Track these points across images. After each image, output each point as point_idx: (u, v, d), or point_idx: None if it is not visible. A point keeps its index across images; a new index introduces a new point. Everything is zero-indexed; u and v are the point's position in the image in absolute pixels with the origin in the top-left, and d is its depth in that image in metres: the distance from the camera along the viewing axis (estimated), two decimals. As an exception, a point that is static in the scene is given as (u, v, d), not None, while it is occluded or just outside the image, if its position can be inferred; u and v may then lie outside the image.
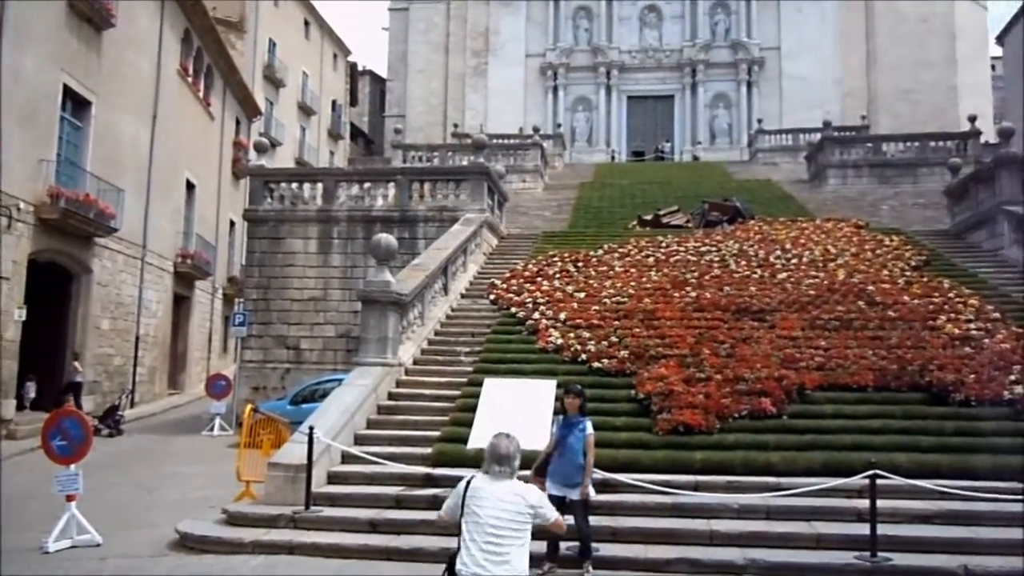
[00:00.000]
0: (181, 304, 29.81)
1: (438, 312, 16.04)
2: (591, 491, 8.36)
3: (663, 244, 20.79)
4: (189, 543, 9.32)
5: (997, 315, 14.75)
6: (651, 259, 19.47)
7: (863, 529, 8.51)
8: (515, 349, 14.58)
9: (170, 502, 11.93)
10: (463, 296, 17.77)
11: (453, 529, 4.69)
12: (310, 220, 21.67)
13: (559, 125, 53.01)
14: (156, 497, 12.51)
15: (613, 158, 52.68)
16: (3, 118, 17.59)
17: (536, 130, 42.47)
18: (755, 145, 45.65)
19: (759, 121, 49.52)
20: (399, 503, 9.94)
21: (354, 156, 57.89)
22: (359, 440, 11.38)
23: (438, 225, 20.72)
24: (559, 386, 11.06)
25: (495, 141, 37.42)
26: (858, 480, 8.97)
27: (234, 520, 9.72)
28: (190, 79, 29.53)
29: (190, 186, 30.21)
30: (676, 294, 16.48)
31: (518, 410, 11.15)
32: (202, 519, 9.98)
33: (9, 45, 17.94)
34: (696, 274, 17.88)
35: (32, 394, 20.01)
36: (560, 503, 8.18)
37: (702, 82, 56.12)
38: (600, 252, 20.30)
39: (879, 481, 8.58)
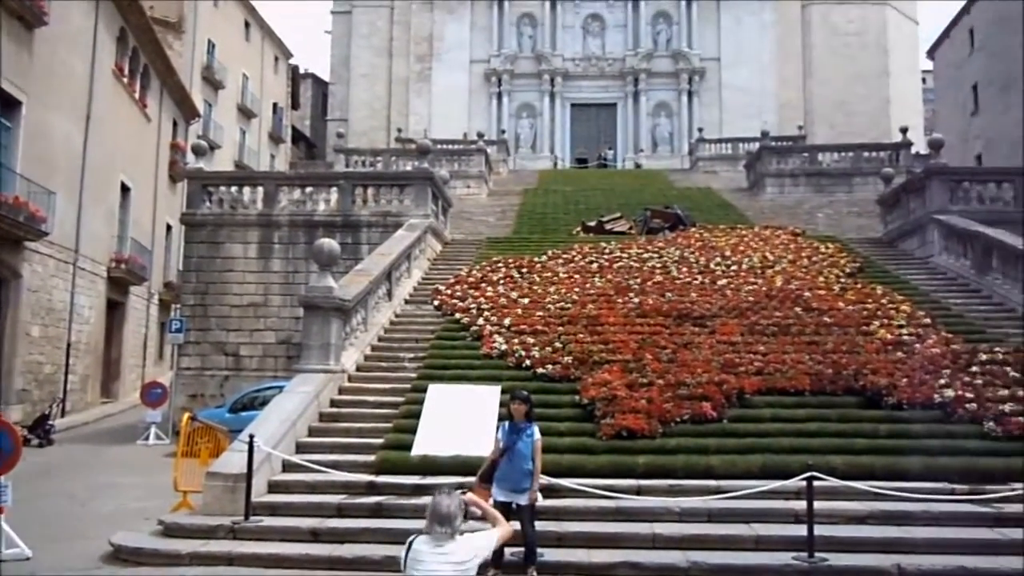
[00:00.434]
0: (115, 310, 29.00)
1: (382, 318, 15.92)
2: (538, 496, 8.39)
3: (606, 250, 20.98)
4: (124, 556, 9.06)
5: (928, 321, 15.23)
6: (595, 265, 19.63)
7: (801, 530, 8.69)
8: (459, 355, 14.55)
9: (104, 514, 11.59)
10: (407, 302, 17.67)
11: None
12: (250, 225, 21.31)
13: (503, 131, 53.15)
14: (89, 509, 12.13)
15: (556, 164, 52.98)
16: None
17: (480, 136, 42.51)
18: (696, 154, 46.40)
19: (700, 130, 50.39)
20: (342, 512, 9.82)
21: (296, 160, 57.14)
22: (301, 448, 11.23)
23: (382, 230, 20.57)
24: (504, 392, 11.05)
25: (439, 146, 37.32)
26: (795, 482, 9.16)
27: (171, 531, 9.49)
28: (126, 79, 28.80)
29: (125, 189, 29.44)
30: (619, 300, 16.64)
31: (463, 416, 11.09)
32: (137, 531, 9.72)
33: (-67, 41, 17.28)
34: (639, 280, 18.08)
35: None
36: (507, 509, 8.19)
37: (644, 91, 56.87)
38: (544, 258, 20.39)
39: (816, 483, 8.77)
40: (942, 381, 12.12)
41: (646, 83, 56.92)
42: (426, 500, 9.06)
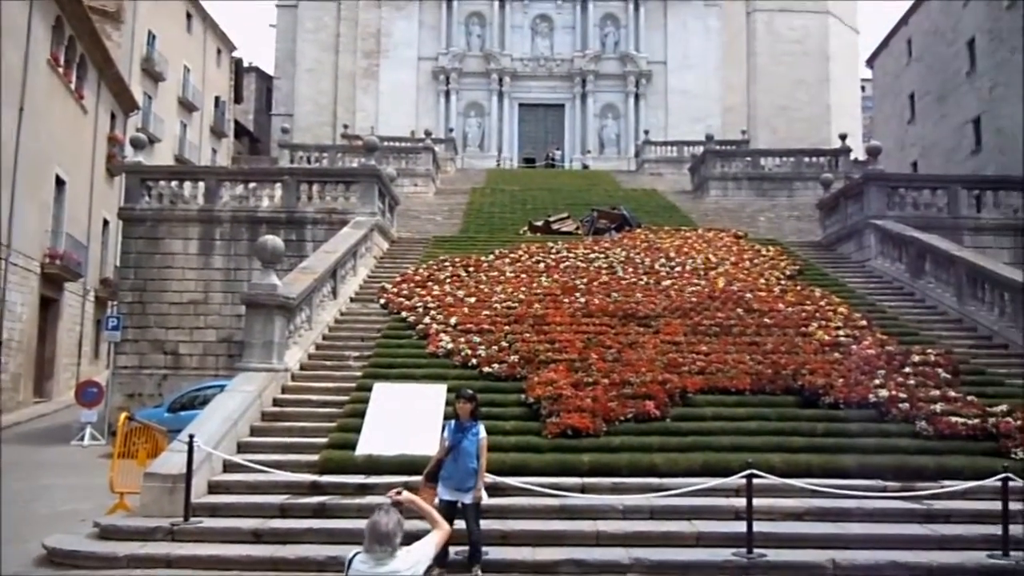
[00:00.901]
0: (49, 307, 28.13)
1: (327, 316, 15.75)
2: (484, 495, 8.40)
3: (553, 250, 21.08)
4: (58, 559, 8.82)
5: (864, 322, 15.65)
6: (541, 265, 19.72)
7: (740, 527, 8.86)
8: (405, 354, 14.48)
9: (37, 516, 11.25)
10: (353, 300, 17.51)
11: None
12: (191, 220, 20.90)
13: (451, 130, 53.02)
14: (21, 511, 11.73)
15: (498, 163, 53.01)
16: None
17: (428, 134, 42.30)
18: (642, 156, 46.92)
19: (646, 132, 50.98)
20: (284, 512, 9.70)
21: (239, 155, 56.12)
22: (243, 448, 11.06)
23: (327, 228, 20.35)
24: (450, 391, 11.05)
25: (386, 144, 37.06)
26: (736, 480, 9.35)
27: (107, 534, 9.26)
28: (61, 70, 27.96)
29: (60, 182, 28.55)
30: (566, 300, 16.75)
31: (408, 415, 11.07)
32: (72, 533, 9.46)
33: None
34: (585, 280, 18.22)
35: None
36: (452, 507, 8.19)
37: (592, 92, 57.30)
38: (491, 257, 20.41)
39: (755, 480, 8.96)
40: (877, 381, 12.47)
41: (594, 85, 57.35)
42: (371, 500, 9.11)
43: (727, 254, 20.90)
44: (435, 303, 16.55)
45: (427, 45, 57.99)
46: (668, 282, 18.14)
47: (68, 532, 9.53)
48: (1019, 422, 11.23)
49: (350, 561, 4.40)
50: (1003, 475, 9.02)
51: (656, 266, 19.53)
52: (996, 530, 8.88)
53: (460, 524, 8.25)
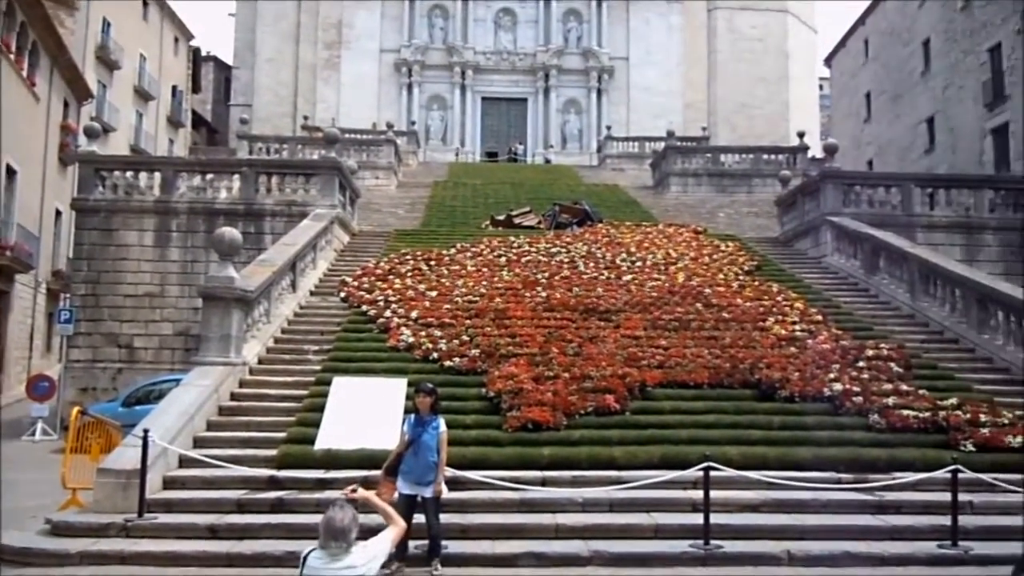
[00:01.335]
0: (-1, 299, 27.47)
1: (286, 310, 15.59)
2: (444, 488, 8.39)
3: (515, 244, 21.10)
4: (8, 556, 8.62)
5: (819, 318, 15.90)
6: (503, 259, 19.72)
7: (698, 519, 8.96)
8: (366, 347, 14.40)
9: (-16, 513, 10.97)
10: (312, 293, 17.35)
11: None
12: (146, 211, 20.54)
13: (413, 122, 52.75)
14: (-33, 508, 11.46)
15: (457, 155, 52.82)
16: None
17: (390, 126, 42.05)
18: (604, 151, 47.13)
19: (608, 128, 51.22)
20: (241, 507, 9.60)
21: (196, 145, 55.23)
22: (199, 443, 10.92)
23: (286, 220, 20.14)
24: (410, 385, 11.01)
25: (347, 136, 36.77)
26: (693, 472, 9.44)
27: (59, 530, 9.09)
28: (12, 56, 27.24)
29: (11, 172, 27.83)
30: (527, 294, 16.78)
31: (368, 409, 11.03)
32: (23, 530, 9.26)
33: None
34: (546, 274, 18.26)
35: None
36: (411, 501, 8.17)
37: (554, 87, 57.37)
38: (453, 251, 20.36)
39: (712, 473, 9.06)
40: (831, 375, 12.68)
41: (556, 79, 57.42)
42: (329, 494, 9.04)
43: (687, 249, 21.09)
44: (396, 297, 16.47)
45: (389, 37, 57.56)
46: (629, 277, 18.26)
47: (19, 529, 9.32)
48: (968, 415, 11.49)
49: (305, 558, 4.37)
50: (952, 467, 9.23)
51: (617, 261, 19.65)
52: (946, 520, 9.08)
53: (420, 518, 8.24)
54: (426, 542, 8.32)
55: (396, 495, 8.08)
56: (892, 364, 13.42)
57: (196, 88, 56.84)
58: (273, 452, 10.58)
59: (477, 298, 16.47)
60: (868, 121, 44.86)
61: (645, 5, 58.27)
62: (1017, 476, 10.14)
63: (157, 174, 21.11)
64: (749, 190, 33.91)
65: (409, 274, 18.21)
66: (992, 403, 12.21)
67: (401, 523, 4.89)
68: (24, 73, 28.67)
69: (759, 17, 60.34)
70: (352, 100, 55.31)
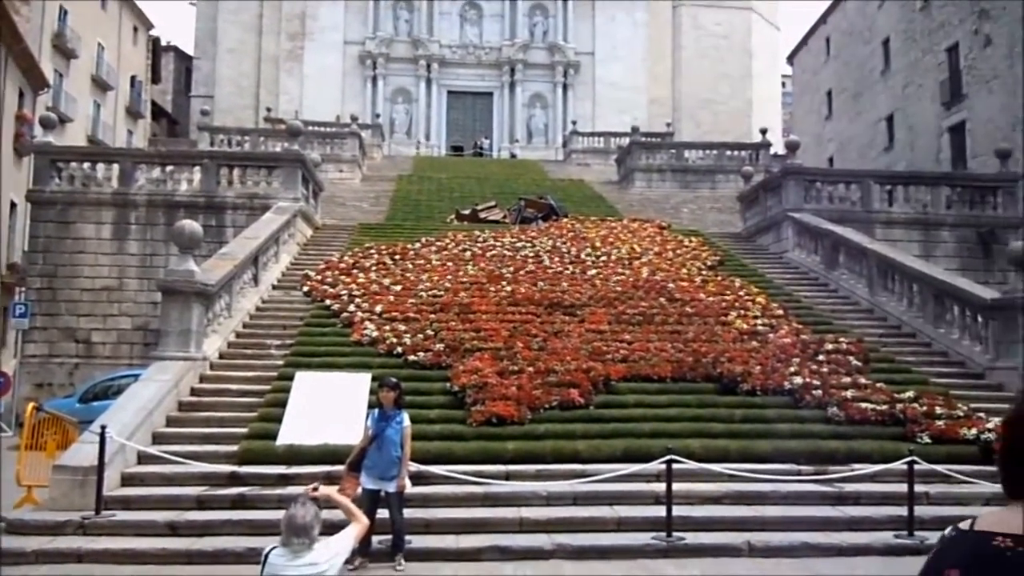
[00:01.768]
0: (-49, 292, 26.80)
1: (247, 304, 15.41)
2: (407, 483, 8.35)
3: (480, 239, 21.07)
4: (-42, 556, 8.41)
5: (780, 312, 16.11)
6: (468, 253, 19.68)
7: (660, 511, 9.04)
8: (329, 342, 14.29)
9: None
10: (275, 288, 17.17)
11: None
12: (104, 204, 20.16)
13: (378, 115, 52.33)
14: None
15: (417, 148, 52.52)
16: None
17: (354, 119, 41.65)
18: (569, 146, 47.22)
19: (574, 123, 51.29)
20: (202, 504, 9.48)
21: (156, 136, 54.26)
22: (158, 439, 10.75)
23: (248, 213, 19.90)
24: (374, 379, 10.95)
25: (311, 128, 36.41)
26: (656, 465, 9.52)
27: (14, 528, 8.91)
28: (-35, 42, 26.56)
29: (-37, 161, 27.18)
30: (492, 288, 16.77)
31: (331, 404, 10.96)
32: (-25, 529, 9.05)
33: None
34: (511, 269, 18.26)
35: None
36: (375, 496, 8.13)
37: (520, 81, 57.32)
38: (418, 245, 20.27)
39: (675, 466, 9.14)
40: (792, 369, 12.87)
41: (522, 74, 57.37)
42: (292, 490, 8.95)
43: (651, 244, 21.22)
44: (360, 291, 16.37)
45: (353, 29, 57.03)
46: (593, 271, 18.34)
47: (-30, 528, 9.12)
48: (924, 408, 11.73)
49: (267, 555, 4.32)
50: (909, 458, 9.42)
51: (582, 255, 19.71)
52: (902, 511, 9.27)
53: (384, 513, 8.20)
54: (390, 537, 8.28)
55: (359, 490, 8.03)
56: (851, 358, 13.64)
57: (156, 78, 55.85)
58: (234, 448, 10.47)
59: (442, 292, 16.42)
60: (829, 118, 45.48)
61: (610, 2, 58.43)
62: (972, 467, 10.36)
63: (115, 166, 20.74)
64: (712, 186, 34.21)
65: (373, 268, 18.10)
66: (948, 396, 12.46)
67: (364, 519, 4.86)
68: (-23, 61, 27.96)
69: (723, 14, 60.85)
70: (316, 92, 54.73)
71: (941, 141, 33.13)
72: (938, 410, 11.69)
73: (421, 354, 13.30)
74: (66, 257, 19.84)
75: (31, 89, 35.05)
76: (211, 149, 33.04)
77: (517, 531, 9.10)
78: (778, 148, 39.70)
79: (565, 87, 57.54)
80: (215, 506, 9.44)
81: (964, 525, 1.82)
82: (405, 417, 8.49)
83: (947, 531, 1.86)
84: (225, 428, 11.19)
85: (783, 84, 65.32)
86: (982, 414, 11.75)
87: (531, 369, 12.45)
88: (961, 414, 11.69)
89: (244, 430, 10.94)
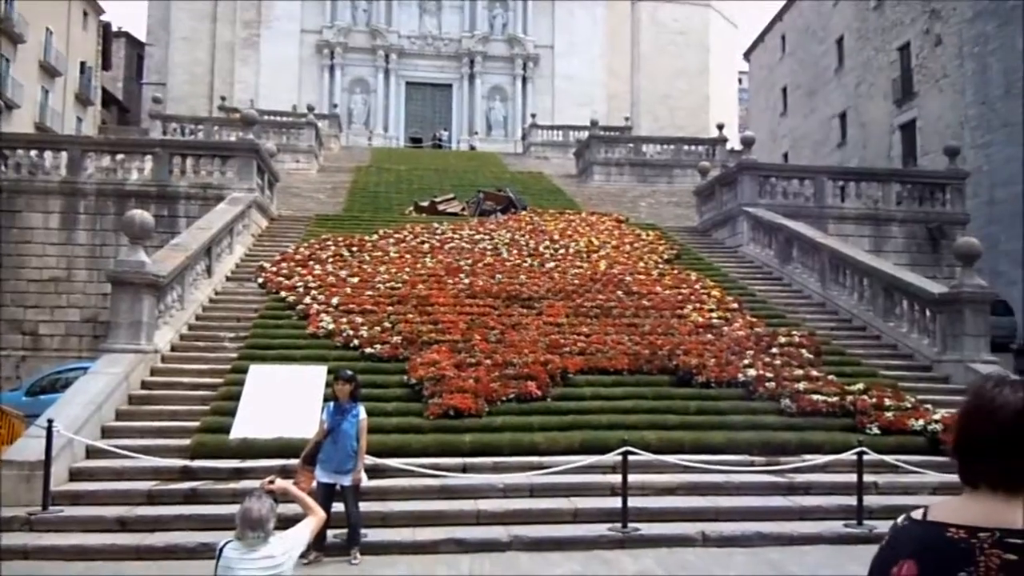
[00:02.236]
0: None
1: (200, 296, 15.15)
2: (363, 476, 8.30)
3: (438, 231, 20.99)
4: None
5: (735, 305, 16.32)
6: (426, 246, 19.60)
7: (616, 503, 9.11)
8: (284, 335, 14.12)
9: None
10: (229, 279, 16.91)
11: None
12: (52, 192, 19.65)
13: (335, 106, 51.78)
14: None
15: (369, 139, 52.06)
16: None
17: (311, 109, 41.13)
18: (529, 139, 47.23)
19: (533, 116, 51.27)
20: (152, 499, 9.31)
21: (106, 124, 53.08)
22: (107, 433, 10.54)
23: (201, 203, 19.55)
24: (330, 372, 10.85)
25: (266, 117, 35.85)
26: (612, 457, 9.59)
27: (-45, 525, 8.64)
28: (-96, 24, 25.68)
29: (-97, 147, 26.27)
30: (450, 281, 16.72)
31: (286, 398, 10.84)
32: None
33: None
34: (470, 261, 18.23)
35: None
36: (330, 490, 8.06)
37: (479, 73, 57.16)
38: (375, 237, 20.13)
39: (631, 457, 9.22)
40: (746, 362, 13.04)
41: (482, 66, 57.21)
42: (245, 484, 8.84)
43: (609, 237, 21.34)
44: (316, 283, 16.20)
45: (311, 18, 56.30)
46: (552, 264, 18.38)
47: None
48: (874, 400, 11.97)
49: (221, 549, 4.27)
50: (858, 449, 9.61)
51: (540, 248, 19.75)
52: (852, 501, 9.46)
53: (339, 507, 8.14)
54: (345, 531, 8.23)
55: (314, 484, 7.96)
56: (803, 351, 13.87)
57: (107, 65, 54.58)
58: (187, 441, 10.29)
59: (399, 285, 16.33)
60: (784, 115, 46.15)
61: (570, -4, 58.53)
62: (919, 457, 10.63)
63: (64, 153, 20.21)
64: (670, 180, 34.48)
65: (330, 260, 17.93)
66: (896, 388, 12.75)
67: (320, 513, 4.83)
68: (-83, 44, 27.06)
69: (682, 11, 61.36)
70: (272, 81, 53.95)
71: (892, 138, 33.83)
72: (887, 402, 11.94)
73: (378, 346, 13.22)
74: (12, 247, 19.31)
75: (-25, 74, 34.02)
76: (163, 138, 32.38)
77: (474, 523, 9.10)
78: (734, 144, 40.17)
79: (524, 80, 57.51)
80: (166, 501, 9.28)
81: (917, 515, 1.83)
82: (361, 410, 8.43)
83: (900, 520, 1.87)
84: (177, 422, 11.01)
85: (740, 80, 66.09)
86: (929, 405, 12.04)
87: (489, 362, 12.44)
88: (909, 405, 11.96)
89: (196, 424, 10.77)
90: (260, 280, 16.72)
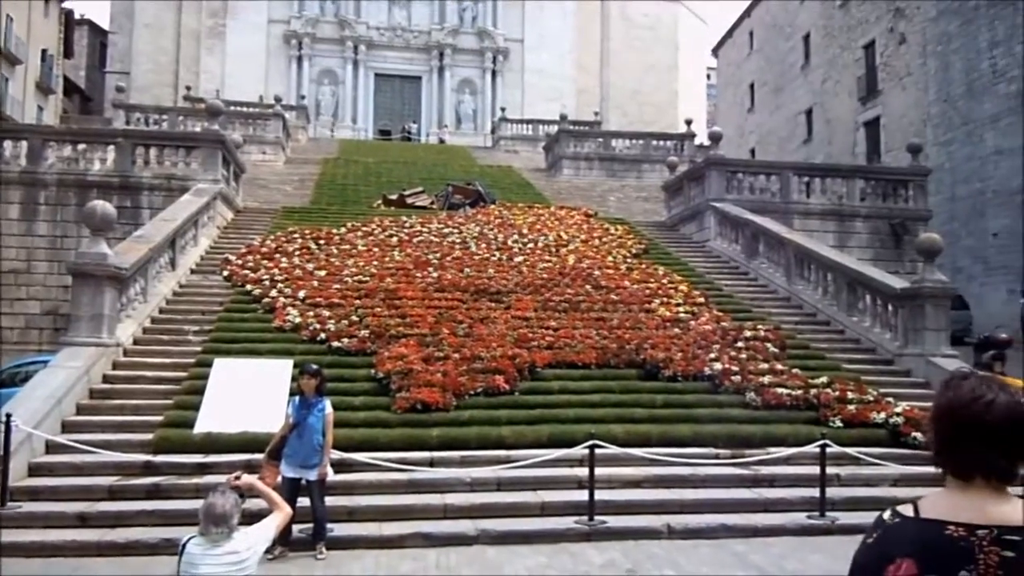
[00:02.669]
0: None
1: (164, 289, 14.93)
2: (329, 471, 8.24)
3: (407, 224, 20.89)
4: None
5: (702, 300, 16.44)
6: (394, 239, 19.49)
7: (583, 495, 9.14)
8: (250, 328, 13.97)
9: None
10: (193, 272, 16.69)
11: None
12: (11, 183, 19.23)
13: (303, 97, 51.27)
14: None
15: (332, 131, 51.60)
16: None
17: (278, 100, 40.74)
18: (498, 132, 47.16)
19: (503, 109, 51.21)
20: (114, 494, 9.17)
21: (68, 113, 52.09)
22: (68, 427, 10.35)
23: (165, 194, 19.27)
24: (296, 366, 10.75)
25: (233, 108, 35.46)
26: (579, 450, 9.61)
27: (-92, 523, 8.44)
28: None
29: None
30: (418, 274, 16.65)
31: (251, 392, 10.72)
32: None
33: None
34: (438, 255, 18.16)
35: None
36: (295, 485, 8.00)
37: (449, 66, 56.95)
38: (343, 230, 19.98)
39: (598, 451, 9.24)
40: (712, 355, 13.15)
41: (451, 59, 57.00)
42: (209, 479, 8.75)
43: (578, 232, 21.39)
44: (283, 276, 16.05)
45: (278, 7, 55.68)
46: (520, 258, 18.38)
47: None
48: (837, 393, 12.13)
49: (184, 544, 4.22)
50: (821, 442, 9.73)
51: (509, 242, 19.74)
52: (815, 493, 9.58)
53: (304, 501, 8.08)
54: (311, 526, 8.17)
55: (279, 479, 7.89)
56: (768, 344, 14.01)
57: (68, 53, 53.50)
58: (149, 436, 10.15)
59: (367, 278, 16.23)
60: (751, 111, 46.56)
61: (540, -10, 58.47)
62: (880, 450, 10.80)
63: (23, 143, 19.78)
64: (639, 175, 34.63)
65: (297, 253, 17.77)
66: (859, 381, 12.92)
67: (286, 508, 4.78)
68: None
69: (651, 6, 61.58)
70: (238, 71, 53.30)
71: (857, 135, 34.29)
72: (850, 395, 12.11)
73: (345, 340, 13.13)
74: (-31, 238, 18.88)
75: (-69, 60, 33.18)
76: (127, 128, 31.79)
77: (441, 517, 9.08)
78: (702, 139, 40.45)
79: (494, 73, 57.42)
80: (128, 496, 9.15)
81: (907, 511, 1.80)
82: (327, 404, 8.37)
83: (887, 516, 1.84)
84: (139, 416, 10.84)
85: (708, 76, 66.55)
86: (891, 399, 12.23)
87: (457, 355, 12.41)
88: (871, 399, 12.13)
89: (159, 418, 10.62)
90: (225, 273, 16.52)
